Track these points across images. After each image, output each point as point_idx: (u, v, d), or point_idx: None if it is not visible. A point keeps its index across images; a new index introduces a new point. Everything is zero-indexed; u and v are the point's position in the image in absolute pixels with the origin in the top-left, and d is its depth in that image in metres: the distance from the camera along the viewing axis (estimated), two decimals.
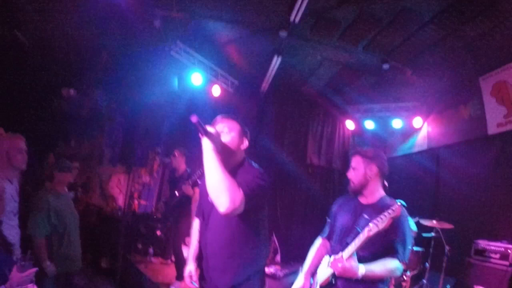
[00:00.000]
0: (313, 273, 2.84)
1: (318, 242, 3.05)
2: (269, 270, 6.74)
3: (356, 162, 2.84)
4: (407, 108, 8.21)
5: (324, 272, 2.66)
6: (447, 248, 5.54)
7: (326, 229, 3.03)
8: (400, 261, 2.55)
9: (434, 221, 5.69)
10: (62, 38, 5.47)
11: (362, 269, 2.42)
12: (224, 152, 2.24)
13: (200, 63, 7.09)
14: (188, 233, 6.89)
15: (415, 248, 5.83)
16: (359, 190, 2.80)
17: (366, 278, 2.43)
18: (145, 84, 6.57)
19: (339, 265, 2.44)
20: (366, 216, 2.58)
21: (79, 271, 3.98)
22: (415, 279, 5.90)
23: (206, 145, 2.12)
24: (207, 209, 2.45)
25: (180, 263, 5.51)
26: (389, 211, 2.39)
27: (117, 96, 6.62)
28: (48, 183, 3.80)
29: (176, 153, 5.94)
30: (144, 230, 6.63)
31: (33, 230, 3.51)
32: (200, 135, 2.14)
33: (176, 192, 5.74)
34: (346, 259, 2.43)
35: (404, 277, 5.74)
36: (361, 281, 2.44)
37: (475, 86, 6.73)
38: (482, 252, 5.70)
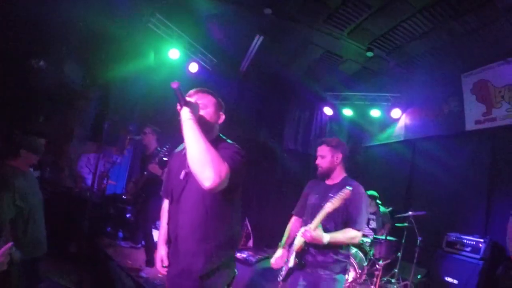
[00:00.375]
0: (290, 245, 3.36)
1: (292, 219, 3.59)
2: (241, 255, 6.66)
3: (324, 151, 3.27)
4: (387, 98, 8.26)
5: (298, 241, 3.17)
6: (419, 238, 5.61)
7: (298, 207, 3.54)
8: (357, 231, 3.05)
9: (410, 212, 5.74)
10: (33, 5, 4.96)
11: (327, 237, 2.93)
12: (201, 126, 2.06)
13: (178, 37, 6.76)
14: (159, 216, 6.68)
15: (388, 238, 5.88)
16: (327, 174, 3.27)
17: (330, 244, 2.96)
18: (120, 57, 6.16)
19: (308, 234, 2.95)
20: (331, 195, 2.98)
21: (45, 255, 3.68)
22: (387, 268, 5.98)
23: (186, 115, 1.98)
24: (177, 188, 2.27)
25: (150, 248, 5.32)
26: (341, 193, 2.86)
27: (90, 70, 6.16)
28: (12, 161, 3.45)
29: (147, 131, 5.67)
30: (114, 212, 6.33)
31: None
32: (179, 104, 2.02)
33: (145, 172, 5.50)
34: (313, 229, 2.93)
35: (377, 265, 5.80)
36: (327, 246, 2.97)
37: (456, 83, 6.84)
38: (453, 245, 5.89)
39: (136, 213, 6.26)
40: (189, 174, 2.18)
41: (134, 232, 6.23)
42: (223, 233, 2.21)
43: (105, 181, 6.47)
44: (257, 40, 6.63)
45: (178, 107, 2.02)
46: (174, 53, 6.73)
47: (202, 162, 1.85)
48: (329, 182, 3.26)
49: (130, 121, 7.11)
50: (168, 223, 2.38)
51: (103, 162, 6.65)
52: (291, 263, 3.21)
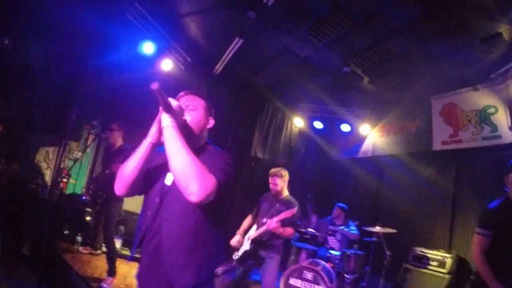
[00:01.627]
0: (244, 233, 4.86)
1: (248, 217, 5.07)
2: None
3: (277, 181, 4.81)
4: (357, 114, 8.47)
5: (254, 232, 4.74)
6: (388, 253, 5.73)
7: (255, 211, 5.04)
8: (294, 230, 4.74)
9: (378, 227, 5.84)
10: None
11: (280, 229, 4.45)
12: (188, 132, 1.98)
13: (154, 31, 6.51)
14: (120, 221, 6.28)
15: (358, 252, 5.95)
16: (278, 193, 4.84)
17: (281, 235, 4.52)
18: (90, 43, 5.77)
19: (273, 224, 4.39)
20: (277, 205, 4.75)
21: None
22: (356, 282, 6.03)
23: (167, 121, 1.84)
24: (160, 192, 2.05)
25: (113, 256, 4.91)
26: (293, 210, 4.50)
27: (57, 54, 5.68)
28: None
29: (113, 127, 5.34)
30: (73, 214, 5.84)
31: None
32: (160, 108, 1.86)
33: (107, 171, 5.18)
34: (276, 222, 4.40)
35: (346, 279, 5.84)
36: (277, 236, 4.57)
37: (426, 103, 7.24)
38: (420, 259, 6.08)
39: (95, 215, 5.83)
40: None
41: (94, 237, 5.79)
42: (213, 244, 2.06)
43: (64, 179, 5.95)
44: (236, 43, 6.54)
45: (160, 109, 1.87)
46: (148, 47, 6.46)
47: (186, 176, 1.73)
48: (277, 197, 4.86)
49: (96, 115, 6.65)
50: (146, 234, 2.06)
51: (63, 158, 6.14)
52: (246, 247, 4.70)
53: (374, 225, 5.88)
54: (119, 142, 5.36)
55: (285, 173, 4.89)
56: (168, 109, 1.85)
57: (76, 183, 6.65)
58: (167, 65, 6.94)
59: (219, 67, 7.47)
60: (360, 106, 8.38)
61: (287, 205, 4.65)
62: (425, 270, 5.90)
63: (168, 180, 2.04)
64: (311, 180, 9.08)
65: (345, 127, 8.61)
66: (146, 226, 2.04)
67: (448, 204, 6.63)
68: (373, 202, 8.01)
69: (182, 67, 7.25)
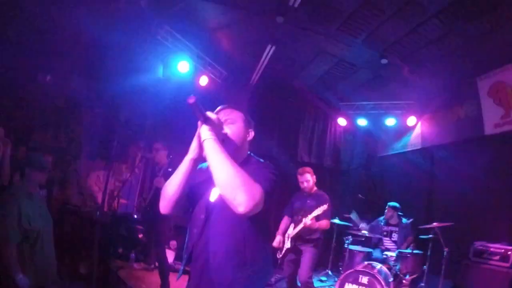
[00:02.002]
0: (283, 233, 5.34)
1: (284, 218, 5.49)
2: None
3: (307, 177, 5.34)
4: (401, 106, 8.20)
5: (292, 230, 5.20)
6: (446, 250, 5.46)
7: (288, 210, 5.49)
8: (329, 221, 5.17)
9: (434, 223, 5.58)
10: (38, 19, 4.90)
11: (316, 224, 4.97)
12: (229, 146, 1.94)
13: (187, 50, 6.74)
14: (171, 235, 6.51)
15: (415, 251, 5.71)
16: (309, 190, 5.34)
17: (318, 229, 5.05)
18: (127, 71, 6.10)
19: (309, 222, 4.87)
20: (308, 201, 5.20)
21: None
22: (414, 283, 5.80)
23: (206, 134, 1.81)
24: (205, 210, 2.03)
25: (165, 271, 5.07)
26: (324, 206, 4.89)
27: (97, 84, 6.08)
28: (18, 181, 3.28)
29: (157, 147, 5.55)
30: (125, 232, 6.15)
31: (1, 237, 3.02)
32: (199, 121, 1.84)
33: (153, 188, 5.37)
34: (310, 220, 4.89)
35: (404, 281, 5.63)
36: (314, 230, 5.06)
37: (472, 86, 6.79)
38: (481, 254, 5.71)
39: (147, 232, 6.09)
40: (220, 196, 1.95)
41: (147, 253, 6.05)
42: (261, 258, 2.02)
43: (116, 200, 6.31)
44: (269, 50, 6.59)
45: (199, 123, 1.85)
46: (183, 66, 6.68)
47: (232, 187, 1.69)
48: (307, 192, 5.36)
49: (140, 136, 7.00)
50: (188, 248, 2.08)
51: (113, 180, 6.51)
52: (288, 245, 5.21)
53: (429, 222, 5.65)
54: (164, 160, 5.56)
55: (312, 171, 5.52)
56: (207, 121, 1.83)
57: (128, 203, 7.01)
58: (204, 80, 7.14)
59: (255, 77, 7.55)
60: (403, 98, 8.08)
61: (317, 198, 5.18)
62: (487, 266, 5.53)
63: (213, 196, 2.03)
64: (360, 180, 8.91)
65: (390, 121, 8.34)
66: (193, 244, 2.04)
67: (507, 192, 6.07)
68: (427, 197, 7.64)
69: (219, 80, 7.43)
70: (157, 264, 5.62)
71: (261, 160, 2.14)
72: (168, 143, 5.67)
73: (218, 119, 1.94)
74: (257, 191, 1.71)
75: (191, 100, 1.73)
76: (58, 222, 4.99)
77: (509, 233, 5.96)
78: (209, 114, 1.88)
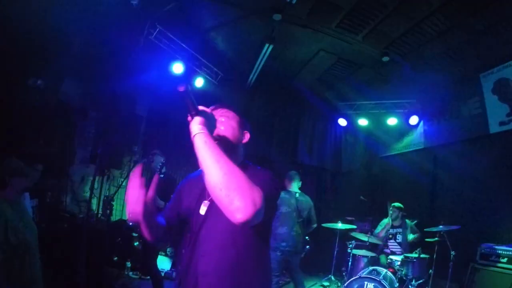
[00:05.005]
0: None
1: None
2: None
3: None
4: (403, 105, 8.07)
5: None
6: (453, 253, 5.31)
7: None
8: None
9: (441, 226, 5.43)
10: (27, 20, 4.71)
11: None
12: (223, 145, 1.71)
13: (181, 50, 6.56)
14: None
15: (422, 256, 5.54)
16: None
17: None
18: (121, 73, 5.94)
19: None
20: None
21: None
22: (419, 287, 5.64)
23: (197, 128, 1.54)
24: (195, 226, 1.79)
25: (158, 280, 4.86)
26: None
27: (90, 88, 5.91)
28: (1, 192, 3.09)
29: (156, 152, 5.33)
30: (120, 240, 5.98)
31: None
32: (189, 113, 1.59)
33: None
34: None
35: (410, 286, 5.46)
36: None
37: (475, 83, 6.65)
38: (488, 257, 5.58)
39: (143, 240, 5.91)
40: (211, 206, 1.76)
41: (143, 262, 5.86)
42: (257, 279, 1.78)
43: (110, 207, 6.13)
44: (266, 50, 6.43)
45: (189, 118, 1.59)
46: (177, 67, 6.51)
47: (228, 188, 1.39)
48: None
49: (136, 141, 6.83)
50: (178, 271, 1.87)
51: (108, 185, 6.34)
52: None
53: (433, 224, 5.50)
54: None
55: None
56: (199, 114, 1.59)
57: (123, 210, 6.83)
58: (199, 82, 6.99)
59: (252, 77, 7.40)
60: (405, 97, 7.94)
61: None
62: (495, 268, 5.38)
63: (203, 209, 1.80)
64: (362, 181, 8.77)
65: (391, 121, 8.20)
66: (182, 266, 1.79)
67: None
68: (431, 198, 7.49)
69: (215, 82, 7.26)
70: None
71: (259, 167, 1.91)
72: (164, 148, 5.47)
73: (212, 113, 1.72)
74: (258, 195, 1.42)
75: (182, 88, 1.50)
76: (51, 230, 4.85)
77: None
78: (202, 108, 1.64)
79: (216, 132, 1.74)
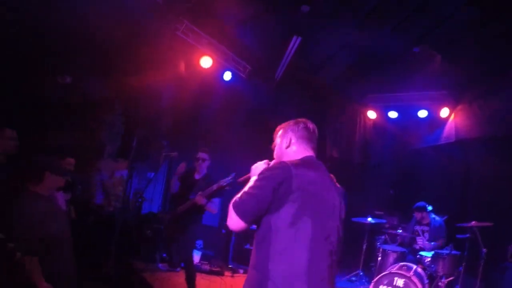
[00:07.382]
0: None
1: None
2: None
3: None
4: (434, 97, 7.81)
5: None
6: (484, 250, 5.19)
7: None
8: None
9: (473, 222, 5.30)
10: (58, 20, 4.82)
11: None
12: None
13: (209, 45, 6.57)
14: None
15: (453, 252, 5.44)
16: None
17: None
18: (148, 69, 6.00)
19: None
20: None
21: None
22: (449, 285, 5.55)
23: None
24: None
25: (192, 276, 4.86)
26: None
27: (117, 83, 6.01)
28: (35, 185, 3.18)
29: (204, 157, 5.14)
30: (150, 232, 6.12)
31: (19, 245, 2.95)
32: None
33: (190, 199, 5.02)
34: None
35: (440, 283, 5.39)
36: None
37: (508, 77, 6.42)
38: None
39: (172, 233, 5.93)
40: None
41: (172, 254, 5.98)
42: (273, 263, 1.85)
43: (140, 200, 6.26)
44: (295, 42, 6.37)
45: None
46: (206, 61, 6.53)
47: None
48: None
49: (164, 135, 6.91)
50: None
51: (137, 179, 6.48)
52: None
53: (464, 219, 5.40)
54: (204, 170, 5.24)
55: None
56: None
57: (152, 202, 6.98)
58: (227, 76, 7.00)
59: (280, 70, 7.35)
60: (436, 88, 7.70)
61: None
62: None
63: None
64: (391, 174, 8.61)
65: (422, 113, 7.94)
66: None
67: None
68: (462, 193, 7.34)
69: (243, 75, 7.26)
70: (182, 264, 5.51)
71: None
72: (192, 142, 5.52)
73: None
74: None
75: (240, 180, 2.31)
76: (81, 223, 5.01)
77: None
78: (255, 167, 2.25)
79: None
